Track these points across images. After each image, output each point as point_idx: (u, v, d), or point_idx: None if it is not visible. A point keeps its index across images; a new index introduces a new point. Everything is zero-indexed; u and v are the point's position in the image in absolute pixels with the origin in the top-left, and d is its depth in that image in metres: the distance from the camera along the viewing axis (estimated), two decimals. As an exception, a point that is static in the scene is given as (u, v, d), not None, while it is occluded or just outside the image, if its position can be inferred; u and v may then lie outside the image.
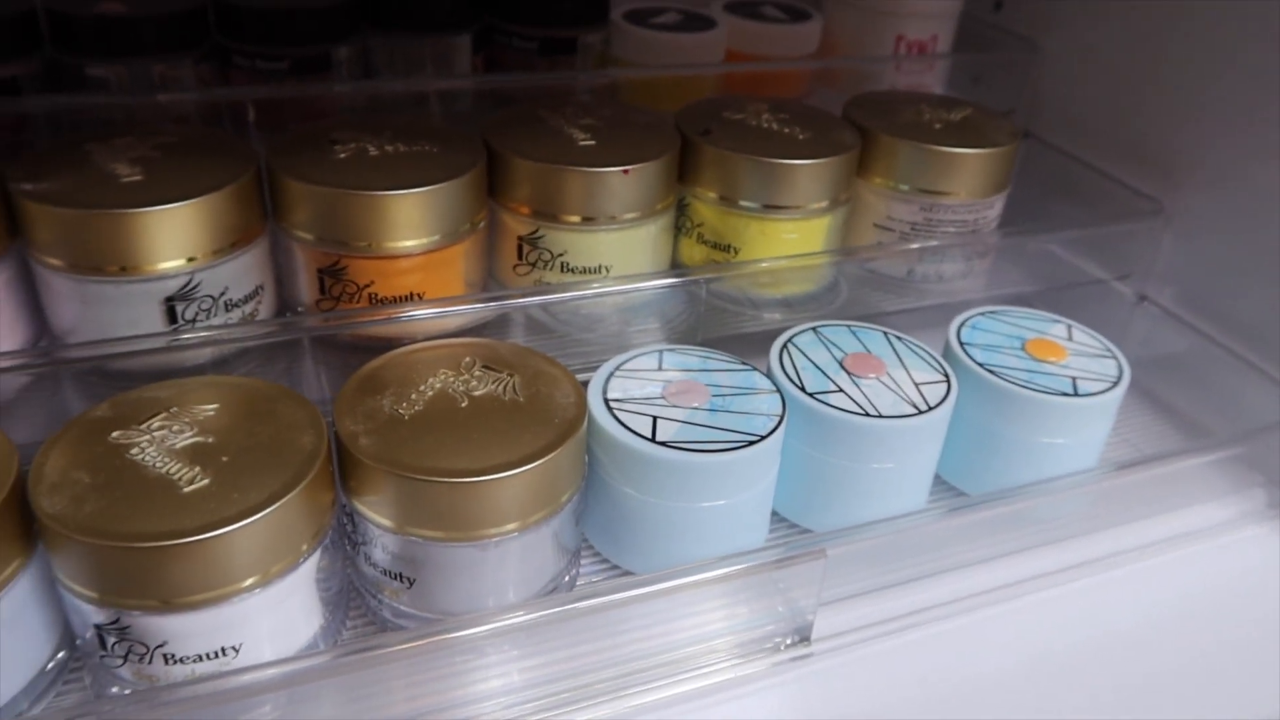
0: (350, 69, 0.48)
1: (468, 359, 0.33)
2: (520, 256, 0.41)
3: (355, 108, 0.47)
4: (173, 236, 0.33)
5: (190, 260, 0.34)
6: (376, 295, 0.37)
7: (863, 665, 0.34)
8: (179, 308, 0.34)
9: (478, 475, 0.29)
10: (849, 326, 0.40)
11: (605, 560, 0.36)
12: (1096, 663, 0.35)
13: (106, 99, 0.42)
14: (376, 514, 0.30)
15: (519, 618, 0.29)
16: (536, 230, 0.40)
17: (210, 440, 0.28)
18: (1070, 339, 0.41)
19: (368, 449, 0.29)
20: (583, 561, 0.36)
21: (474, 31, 0.51)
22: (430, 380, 0.32)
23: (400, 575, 0.30)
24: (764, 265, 0.43)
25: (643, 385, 0.35)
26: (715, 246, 0.44)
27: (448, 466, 0.29)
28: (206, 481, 0.27)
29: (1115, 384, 0.38)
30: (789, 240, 0.44)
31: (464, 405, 0.31)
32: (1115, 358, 0.40)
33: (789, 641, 0.34)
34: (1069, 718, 0.33)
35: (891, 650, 0.34)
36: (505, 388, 0.32)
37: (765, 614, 0.33)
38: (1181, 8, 0.48)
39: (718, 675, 0.32)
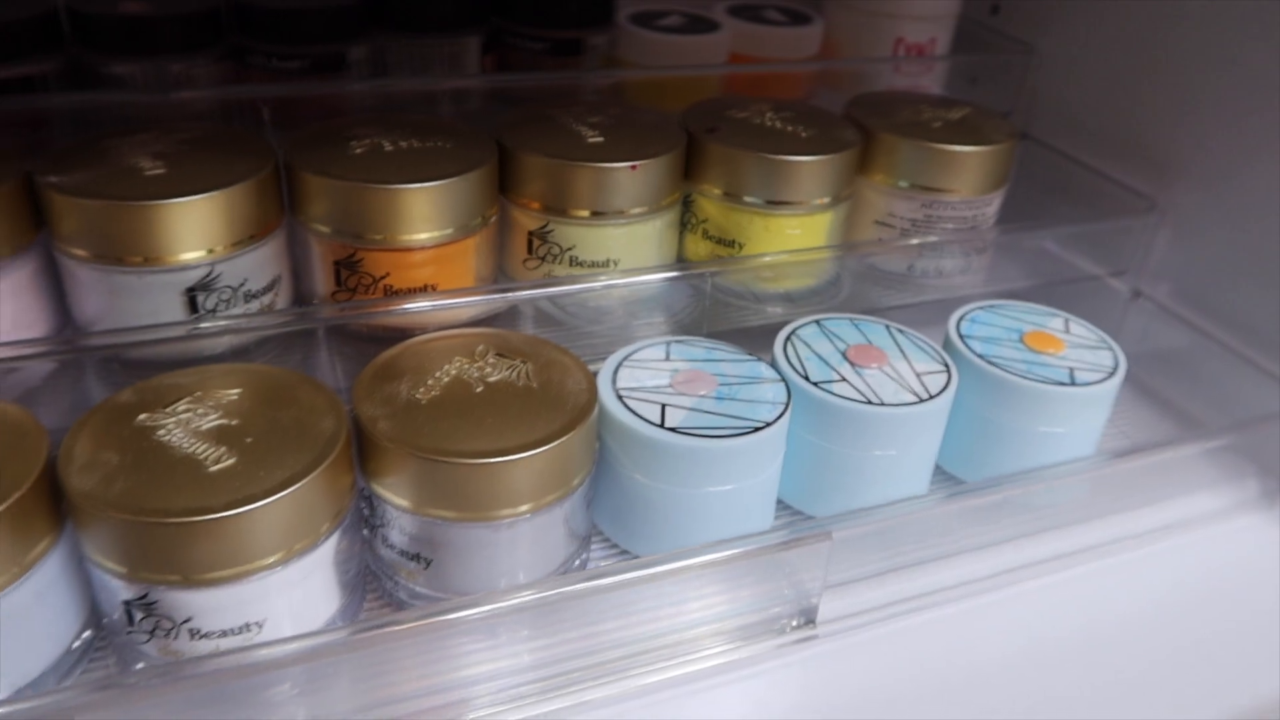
0: (364, 68, 0.49)
1: (481, 347, 0.34)
2: (530, 251, 0.42)
3: (369, 106, 0.47)
4: (194, 229, 0.34)
5: (210, 252, 0.35)
6: (391, 287, 0.38)
7: (867, 648, 0.35)
8: (199, 298, 0.35)
9: (493, 456, 0.29)
10: (851, 319, 0.41)
11: (615, 546, 0.37)
12: (1093, 648, 0.35)
13: (126, 96, 0.43)
14: (394, 495, 0.30)
15: (529, 596, 0.29)
16: (546, 225, 0.41)
17: (235, 423, 0.29)
18: (1067, 331, 0.42)
19: (387, 431, 0.30)
20: (593, 548, 0.37)
21: (483, 33, 0.52)
22: (445, 367, 0.33)
23: (417, 556, 0.31)
24: (767, 260, 0.44)
25: (651, 375, 0.36)
26: (719, 241, 0.45)
27: (463, 448, 0.30)
28: (232, 461, 0.28)
29: (1111, 374, 0.39)
30: (792, 236, 0.45)
31: (479, 391, 0.32)
32: (1111, 349, 0.41)
33: (795, 624, 0.34)
34: (1066, 701, 0.33)
35: (895, 633, 0.35)
36: (519, 374, 0.33)
37: (771, 596, 0.34)
38: (1174, 10, 0.49)
39: (724, 656, 0.33)
